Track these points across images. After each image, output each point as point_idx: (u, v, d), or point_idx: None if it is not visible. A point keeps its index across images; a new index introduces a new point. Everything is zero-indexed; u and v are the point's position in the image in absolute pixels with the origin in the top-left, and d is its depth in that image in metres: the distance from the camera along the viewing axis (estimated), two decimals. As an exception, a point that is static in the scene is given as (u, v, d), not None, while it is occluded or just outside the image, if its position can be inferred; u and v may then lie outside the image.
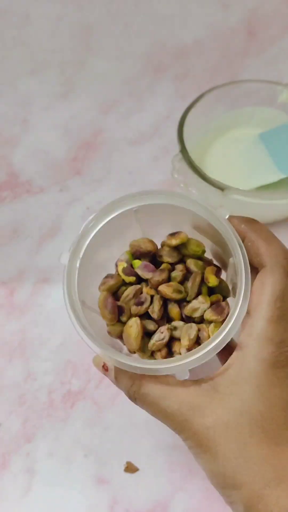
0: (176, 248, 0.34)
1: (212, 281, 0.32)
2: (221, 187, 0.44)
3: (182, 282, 0.33)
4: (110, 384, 0.42)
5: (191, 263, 0.33)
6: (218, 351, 0.28)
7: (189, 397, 0.28)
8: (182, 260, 0.34)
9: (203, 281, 0.33)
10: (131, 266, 0.34)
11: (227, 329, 0.28)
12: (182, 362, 0.28)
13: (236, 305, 0.28)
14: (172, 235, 0.33)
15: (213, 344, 0.28)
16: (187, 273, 0.33)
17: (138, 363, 0.28)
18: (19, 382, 0.42)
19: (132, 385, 0.29)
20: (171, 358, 0.29)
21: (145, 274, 0.33)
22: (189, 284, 0.33)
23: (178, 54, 0.60)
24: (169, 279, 0.33)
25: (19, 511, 0.38)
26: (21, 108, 0.58)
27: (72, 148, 0.55)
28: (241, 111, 0.52)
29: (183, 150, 0.46)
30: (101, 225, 0.32)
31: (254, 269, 0.30)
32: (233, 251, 0.30)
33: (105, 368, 0.31)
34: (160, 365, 0.28)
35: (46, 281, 0.47)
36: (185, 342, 0.31)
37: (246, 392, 0.27)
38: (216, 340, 0.28)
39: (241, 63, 0.60)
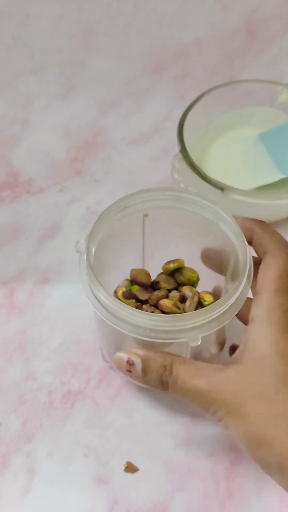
0: (172, 276, 0.38)
1: (208, 299, 0.35)
2: (221, 187, 0.44)
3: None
4: (110, 384, 0.42)
5: (186, 289, 0.36)
6: (230, 318, 0.30)
7: (217, 372, 0.29)
8: (176, 289, 0.37)
9: (199, 302, 0.36)
10: (130, 290, 0.37)
11: (238, 292, 0.30)
12: (196, 322, 0.29)
13: (242, 277, 0.31)
14: (170, 261, 0.37)
15: (226, 304, 0.30)
16: (184, 297, 0.36)
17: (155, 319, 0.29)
18: (19, 382, 0.42)
19: (165, 370, 0.30)
20: (183, 316, 0.30)
21: (144, 295, 0.36)
22: (186, 303, 0.35)
23: (178, 54, 0.60)
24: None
25: (19, 511, 0.38)
26: (21, 108, 0.58)
27: (72, 148, 0.55)
28: (241, 111, 0.52)
29: (183, 150, 0.46)
30: (113, 219, 0.34)
31: (257, 263, 0.32)
32: (236, 237, 0.33)
33: (130, 363, 0.31)
34: (177, 322, 0.29)
35: (46, 281, 0.47)
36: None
37: (266, 355, 0.29)
38: (227, 302, 0.30)
39: (241, 63, 0.60)
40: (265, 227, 0.33)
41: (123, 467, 0.39)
